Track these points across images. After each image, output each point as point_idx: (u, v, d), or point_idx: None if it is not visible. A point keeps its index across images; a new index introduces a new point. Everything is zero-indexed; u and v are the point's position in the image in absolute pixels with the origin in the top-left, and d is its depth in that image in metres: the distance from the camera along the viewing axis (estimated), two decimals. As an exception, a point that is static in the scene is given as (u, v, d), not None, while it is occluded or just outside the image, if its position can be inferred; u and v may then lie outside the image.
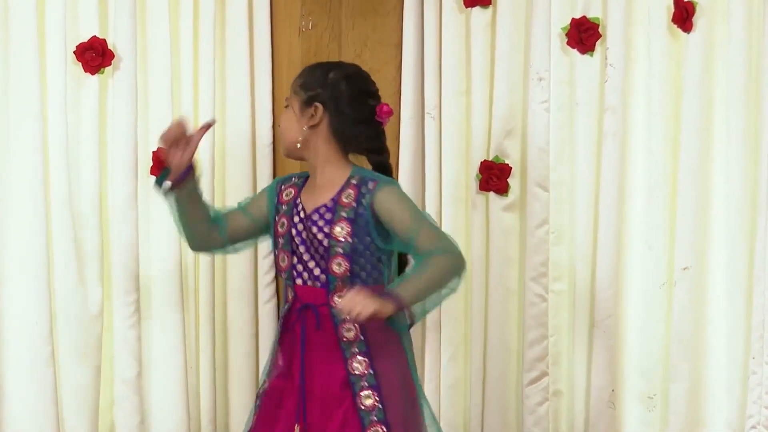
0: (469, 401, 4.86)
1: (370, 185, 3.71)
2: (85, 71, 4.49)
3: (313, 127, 3.73)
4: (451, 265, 3.65)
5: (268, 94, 4.76)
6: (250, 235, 3.98)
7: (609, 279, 4.73)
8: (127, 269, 4.53)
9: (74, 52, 4.47)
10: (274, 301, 4.79)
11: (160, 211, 4.54)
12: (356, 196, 3.74)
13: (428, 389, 4.88)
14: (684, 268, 4.64)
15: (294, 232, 3.80)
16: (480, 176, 4.64)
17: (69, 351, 4.55)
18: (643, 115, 4.73)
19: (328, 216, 3.74)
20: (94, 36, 4.46)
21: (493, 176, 4.68)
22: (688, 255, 4.69)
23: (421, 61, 4.82)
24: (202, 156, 4.71)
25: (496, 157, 4.58)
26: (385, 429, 3.72)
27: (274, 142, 4.80)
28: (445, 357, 4.90)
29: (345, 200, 3.75)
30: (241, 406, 4.66)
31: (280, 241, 3.83)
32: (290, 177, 3.99)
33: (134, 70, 4.53)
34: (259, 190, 4.81)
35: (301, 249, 3.78)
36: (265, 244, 4.67)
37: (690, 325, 4.70)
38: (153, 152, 4.57)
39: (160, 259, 4.65)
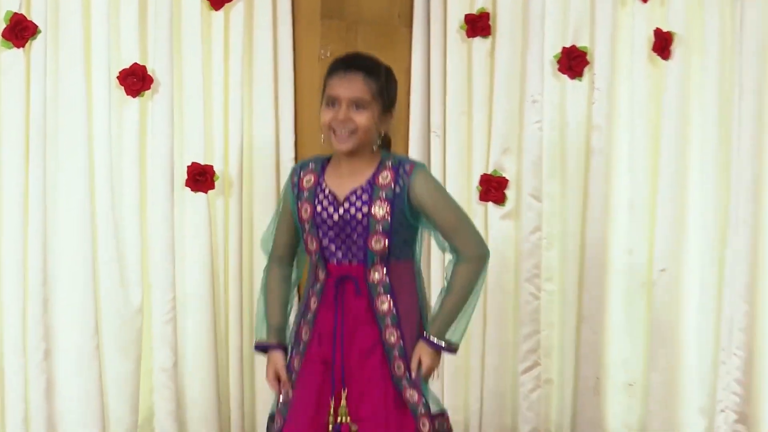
0: (469, 387, 4.87)
1: (407, 167, 3.63)
2: (127, 94, 4.43)
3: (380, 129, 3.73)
4: (473, 273, 3.60)
5: (290, 115, 4.74)
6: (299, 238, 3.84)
7: (595, 280, 4.76)
8: (164, 271, 4.49)
9: (117, 78, 4.41)
10: (296, 299, 4.69)
11: (194, 220, 4.60)
12: (393, 177, 3.64)
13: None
14: (661, 270, 4.67)
15: (324, 215, 3.68)
16: (480, 188, 4.66)
17: (112, 344, 4.50)
18: (626, 134, 4.77)
19: (365, 197, 3.63)
20: (135, 63, 4.42)
21: (492, 188, 4.70)
22: (666, 258, 4.71)
23: (428, 85, 4.84)
24: (231, 171, 4.72)
25: (495, 171, 4.61)
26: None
27: (296, 158, 4.74)
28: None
29: (382, 182, 3.65)
30: (266, 393, 4.49)
31: (306, 226, 3.70)
32: (307, 163, 3.85)
33: (171, 94, 4.50)
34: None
35: (333, 231, 3.65)
36: None
37: (667, 320, 4.72)
38: (188, 166, 4.53)
39: (194, 263, 4.61)
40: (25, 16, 4.26)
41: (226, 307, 4.70)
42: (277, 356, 3.79)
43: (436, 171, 4.86)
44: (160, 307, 4.51)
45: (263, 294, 3.88)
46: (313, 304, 3.76)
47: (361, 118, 3.61)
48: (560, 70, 4.73)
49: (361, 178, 3.70)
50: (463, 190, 4.64)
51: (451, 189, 4.75)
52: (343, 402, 3.66)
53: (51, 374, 4.39)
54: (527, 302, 4.75)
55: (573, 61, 4.71)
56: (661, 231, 4.74)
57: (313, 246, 3.72)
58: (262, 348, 3.80)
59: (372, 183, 3.69)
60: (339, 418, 3.66)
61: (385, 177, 3.68)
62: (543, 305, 4.80)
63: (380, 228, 3.64)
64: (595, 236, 4.77)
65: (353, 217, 3.67)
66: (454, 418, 4.64)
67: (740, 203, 4.67)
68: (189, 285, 4.58)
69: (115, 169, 4.49)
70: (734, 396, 4.66)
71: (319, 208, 3.69)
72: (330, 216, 3.68)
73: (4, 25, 4.25)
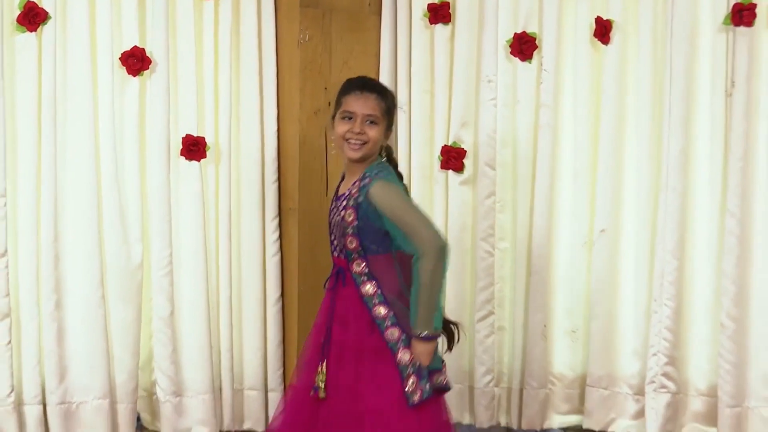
0: None
1: (367, 180, 3.78)
2: (128, 74, 4.55)
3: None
4: (434, 265, 3.67)
5: (273, 93, 4.86)
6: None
7: (542, 239, 4.83)
8: (161, 231, 4.60)
9: (119, 59, 4.54)
10: (279, 256, 4.87)
11: (187, 186, 4.69)
12: (359, 187, 3.81)
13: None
14: (601, 231, 4.76)
15: (329, 215, 3.96)
16: (441, 158, 4.74)
17: (116, 295, 4.61)
18: (570, 111, 4.84)
19: (343, 203, 3.84)
20: (135, 45, 4.54)
21: (452, 158, 4.77)
22: (605, 220, 4.78)
23: (395, 66, 4.93)
24: (221, 142, 4.83)
25: (454, 142, 4.68)
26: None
27: (278, 130, 4.88)
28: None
29: (354, 191, 3.82)
30: (252, 337, 4.76)
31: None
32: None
33: (167, 73, 4.61)
34: (266, 165, 4.93)
35: (331, 229, 3.92)
36: (271, 209, 4.82)
37: (605, 275, 4.80)
38: (182, 137, 4.64)
39: (188, 223, 4.69)
40: (36, 4, 4.35)
41: (216, 262, 4.79)
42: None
43: (402, 142, 4.93)
44: (158, 262, 4.62)
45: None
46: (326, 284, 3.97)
47: (373, 132, 3.81)
48: (512, 53, 4.82)
49: (349, 185, 3.91)
50: (426, 160, 4.73)
51: (415, 159, 4.88)
52: (322, 370, 3.82)
53: (61, 322, 4.49)
54: (483, 259, 4.82)
55: (523, 46, 4.80)
56: (601, 196, 4.81)
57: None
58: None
59: (350, 191, 3.86)
60: (317, 383, 3.82)
61: (355, 187, 3.85)
62: (497, 261, 4.86)
63: (350, 231, 3.81)
64: (542, 201, 4.83)
65: (334, 218, 3.90)
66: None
67: (670, 172, 4.72)
68: (184, 243, 4.67)
69: (118, 140, 4.59)
70: (664, 341, 4.71)
71: (331, 207, 3.94)
72: (330, 216, 3.93)
73: (18, 12, 4.33)
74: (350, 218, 3.81)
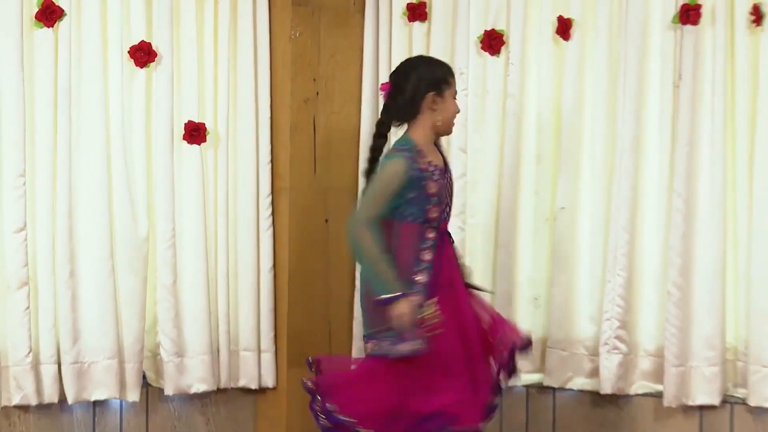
0: None
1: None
2: (136, 65, 4.63)
3: None
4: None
5: (267, 84, 4.96)
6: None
7: (508, 215, 4.92)
8: (166, 208, 4.69)
9: (128, 52, 4.62)
10: (271, 230, 4.96)
11: (189, 167, 4.79)
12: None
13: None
14: (561, 208, 4.85)
15: (443, 188, 4.06)
16: None
17: (124, 266, 4.68)
18: (534, 101, 4.93)
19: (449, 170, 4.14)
20: (143, 40, 4.62)
21: None
22: (565, 199, 4.88)
23: (377, 60, 5.08)
24: (219, 128, 4.91)
25: None
26: None
27: (271, 117, 4.98)
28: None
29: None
30: (247, 303, 4.85)
31: (434, 198, 4.00)
32: (405, 145, 4.05)
33: (171, 65, 4.68)
34: (260, 148, 4.98)
35: (448, 199, 4.12)
36: (265, 188, 4.93)
37: (565, 247, 4.90)
38: (185, 123, 4.74)
39: (189, 201, 4.76)
40: (53, 2, 4.40)
41: (215, 236, 4.88)
42: (411, 300, 3.93)
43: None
44: (162, 236, 4.71)
45: (377, 253, 3.92)
46: (428, 255, 3.99)
47: (456, 107, 4.08)
48: (482, 48, 4.91)
49: (439, 157, 4.09)
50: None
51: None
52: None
53: (75, 290, 4.54)
54: (455, 233, 4.71)
55: (492, 41, 4.88)
56: (562, 177, 4.87)
57: (435, 213, 4.00)
58: (397, 298, 3.88)
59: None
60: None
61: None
62: (468, 236, 4.93)
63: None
64: (508, 181, 4.91)
65: (448, 188, 4.09)
66: None
67: (623, 156, 4.75)
68: (185, 219, 4.76)
69: (127, 126, 4.66)
70: (617, 307, 4.75)
71: (443, 183, 4.02)
72: (446, 185, 4.06)
73: (36, 9, 4.37)
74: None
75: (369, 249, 3.90)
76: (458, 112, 4.06)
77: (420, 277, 3.94)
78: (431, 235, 3.96)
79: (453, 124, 4.06)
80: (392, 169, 3.96)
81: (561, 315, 4.92)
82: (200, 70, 4.82)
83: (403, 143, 4.02)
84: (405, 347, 3.91)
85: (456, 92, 4.05)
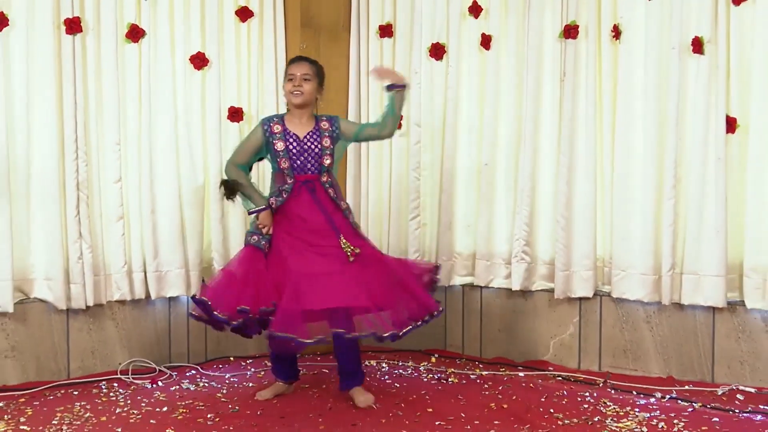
0: (382, 228, 5.32)
1: (334, 119, 4.22)
2: (194, 69, 4.90)
3: (317, 95, 4.24)
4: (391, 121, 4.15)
5: (282, 78, 4.60)
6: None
7: (449, 169, 5.14)
8: (216, 164, 4.83)
9: (189, 59, 4.88)
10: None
11: (231, 138, 4.90)
12: (330, 125, 4.22)
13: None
14: (485, 164, 5.07)
15: (291, 147, 4.11)
16: None
17: (188, 204, 4.84)
18: (466, 91, 5.16)
19: (315, 136, 4.14)
20: (199, 51, 4.89)
21: None
22: (487, 157, 5.05)
23: (359, 64, 5.33)
24: (252, 110, 5.01)
25: None
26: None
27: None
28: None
29: (324, 127, 4.18)
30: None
31: (280, 153, 4.10)
32: (272, 118, 4.21)
33: (218, 69, 4.93)
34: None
35: (298, 156, 4.08)
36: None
37: (487, 190, 5.09)
38: (228, 108, 4.94)
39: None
40: (137, 25, 4.70)
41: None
42: (270, 213, 4.09)
43: (364, 112, 5.25)
44: (213, 184, 4.88)
45: (239, 178, 4.07)
46: (284, 196, 4.09)
47: (306, 87, 4.14)
48: (431, 55, 5.17)
49: (310, 126, 4.15)
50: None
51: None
52: (344, 241, 4.05)
53: (155, 221, 4.83)
54: (412, 181, 5.21)
55: (437, 51, 5.14)
56: (486, 142, 5.07)
57: (285, 165, 4.10)
58: (260, 210, 4.04)
59: (318, 129, 4.15)
60: (347, 251, 4.03)
61: (325, 125, 4.17)
62: (421, 183, 5.23)
63: (328, 152, 4.11)
64: (449, 145, 5.16)
65: (310, 148, 4.08)
66: (376, 245, 4.53)
67: (527, 126, 4.90)
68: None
69: (189, 110, 4.91)
70: (523, 231, 4.97)
71: (289, 141, 4.09)
72: (294, 147, 4.08)
73: (126, 30, 4.67)
74: (328, 143, 4.14)
75: (236, 177, 4.08)
76: (290, 92, 4.11)
77: (273, 202, 4.13)
78: (289, 180, 4.12)
79: (290, 99, 4.14)
80: (252, 130, 4.23)
81: (485, 237, 5.13)
82: (238, 71, 5.04)
83: (277, 114, 4.29)
84: (250, 239, 4.14)
85: (316, 83, 4.15)
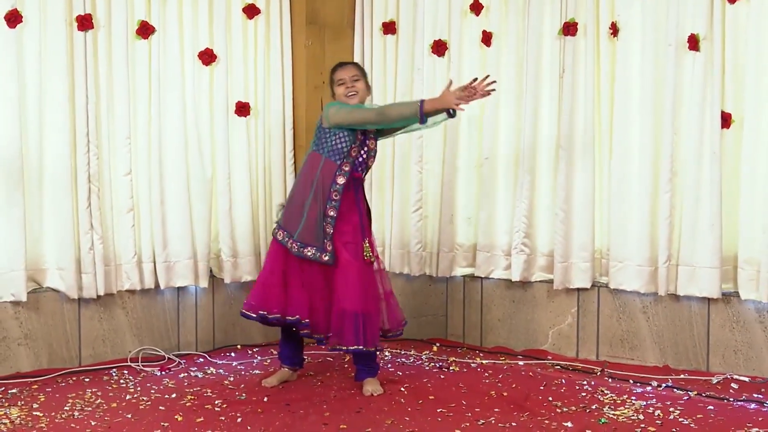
0: (384, 222, 5.32)
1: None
2: (203, 65, 4.93)
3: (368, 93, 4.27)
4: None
5: (289, 74, 5.21)
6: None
7: (450, 162, 5.12)
8: (223, 158, 4.90)
9: (197, 55, 4.91)
10: (294, 173, 5.09)
11: (239, 132, 4.99)
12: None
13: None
14: (486, 158, 5.09)
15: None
16: None
17: (196, 197, 4.84)
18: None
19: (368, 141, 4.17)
20: (207, 47, 4.91)
21: None
22: (488, 151, 5.02)
23: (363, 61, 5.30)
24: (258, 105, 5.04)
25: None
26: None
27: (293, 98, 5.17)
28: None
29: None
30: None
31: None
32: None
33: (226, 64, 4.96)
34: (285, 119, 5.09)
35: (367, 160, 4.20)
36: (289, 145, 5.12)
37: (488, 184, 5.09)
38: (236, 102, 4.98)
39: (239, 154, 4.98)
40: (147, 22, 4.73)
41: (256, 178, 5.11)
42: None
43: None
44: (221, 177, 4.97)
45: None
46: (344, 189, 4.10)
47: (358, 86, 4.17)
48: (433, 52, 5.17)
49: None
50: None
51: None
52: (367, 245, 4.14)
53: (164, 213, 4.84)
54: (415, 174, 5.22)
55: (439, 48, 5.15)
56: (486, 136, 5.07)
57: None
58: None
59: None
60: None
61: None
62: (423, 176, 5.23)
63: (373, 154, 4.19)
64: (451, 140, 5.15)
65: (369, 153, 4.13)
66: (379, 237, 5.15)
67: (526, 121, 4.89)
68: (236, 166, 5.02)
69: (197, 104, 4.93)
70: (523, 224, 4.97)
71: None
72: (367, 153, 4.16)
73: (136, 27, 4.70)
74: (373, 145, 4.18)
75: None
76: (344, 95, 4.14)
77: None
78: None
79: (346, 102, 4.14)
80: None
81: (486, 229, 5.14)
82: (245, 67, 5.08)
83: None
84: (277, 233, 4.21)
85: (365, 81, 4.21)
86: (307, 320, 4.12)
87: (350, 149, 4.11)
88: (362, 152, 4.15)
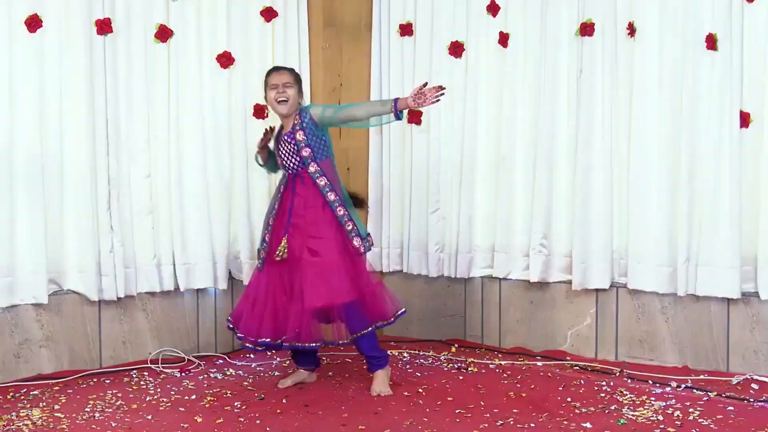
0: (403, 224, 5.33)
1: (303, 110, 4.15)
2: (221, 67, 4.95)
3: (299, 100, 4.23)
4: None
5: (307, 76, 5.21)
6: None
7: (469, 163, 5.10)
8: (242, 159, 4.91)
9: (215, 58, 4.93)
10: None
11: (256, 133, 4.69)
12: (300, 119, 4.13)
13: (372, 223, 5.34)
14: (503, 158, 5.06)
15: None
16: (407, 116, 5.04)
17: (216, 198, 4.87)
18: (484, 87, 5.12)
19: (292, 136, 4.13)
20: (225, 50, 4.94)
21: (413, 115, 5.16)
22: (506, 151, 5.01)
23: (380, 63, 5.36)
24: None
25: (416, 108, 4.40)
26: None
27: (311, 98, 5.11)
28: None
29: (295, 122, 4.13)
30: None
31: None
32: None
33: (244, 67, 4.99)
34: None
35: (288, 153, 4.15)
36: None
37: (507, 185, 5.08)
38: (253, 105, 4.98)
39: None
40: (165, 25, 4.75)
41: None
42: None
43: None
44: (240, 178, 4.99)
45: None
46: (282, 190, 4.18)
47: (290, 94, 4.13)
48: (450, 54, 5.17)
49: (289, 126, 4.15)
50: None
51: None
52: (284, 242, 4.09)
53: (183, 215, 4.87)
54: (433, 176, 5.22)
55: (457, 49, 5.14)
56: (504, 137, 5.04)
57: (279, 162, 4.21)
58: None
59: (292, 129, 4.12)
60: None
61: (296, 119, 4.11)
62: (441, 177, 5.22)
63: (303, 144, 4.07)
64: (469, 141, 5.09)
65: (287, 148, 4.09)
66: (398, 239, 5.29)
67: (545, 122, 4.85)
68: (254, 167, 4.76)
69: (215, 107, 4.95)
70: (541, 225, 4.96)
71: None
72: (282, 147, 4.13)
73: (155, 30, 4.73)
74: (301, 136, 4.11)
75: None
76: (294, 102, 4.15)
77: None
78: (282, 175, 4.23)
79: (292, 107, 4.16)
80: None
81: (504, 230, 5.15)
82: (263, 70, 4.75)
83: None
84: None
85: (297, 88, 4.18)
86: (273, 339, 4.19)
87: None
88: (280, 153, 4.24)
